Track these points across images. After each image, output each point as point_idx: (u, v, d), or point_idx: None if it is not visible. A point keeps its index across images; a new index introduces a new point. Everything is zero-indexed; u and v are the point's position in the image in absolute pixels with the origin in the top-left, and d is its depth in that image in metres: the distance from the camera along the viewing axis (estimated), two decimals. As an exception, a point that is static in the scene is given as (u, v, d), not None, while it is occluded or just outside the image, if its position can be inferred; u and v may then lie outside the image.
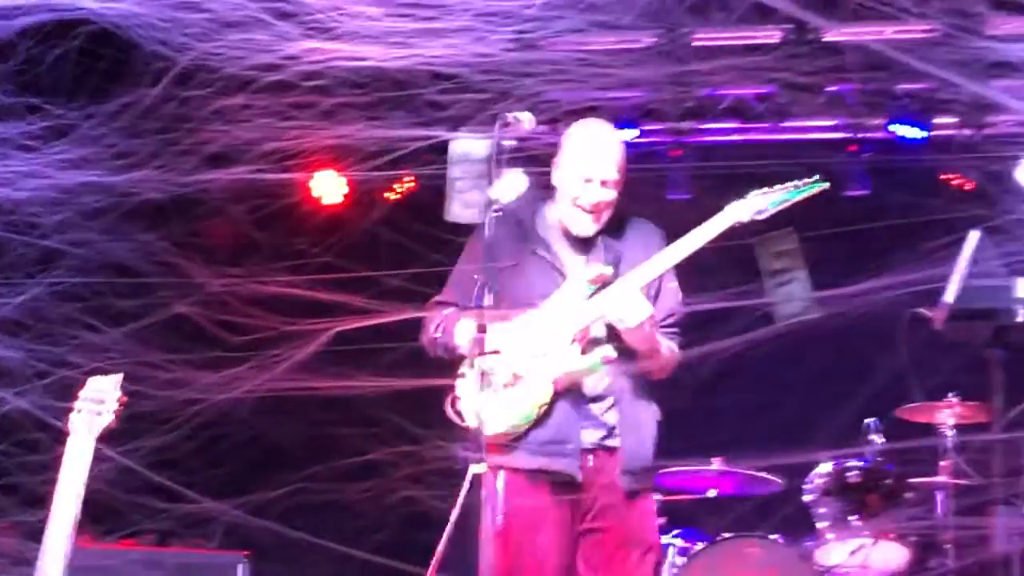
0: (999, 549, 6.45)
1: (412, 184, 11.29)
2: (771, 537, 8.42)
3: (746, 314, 6.28)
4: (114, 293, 7.89)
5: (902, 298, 6.18)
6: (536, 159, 9.95)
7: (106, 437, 5.13)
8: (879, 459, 8.66)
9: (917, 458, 8.68)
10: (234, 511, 8.41)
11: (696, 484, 9.07)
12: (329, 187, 11.15)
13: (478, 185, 6.77)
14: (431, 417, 6.40)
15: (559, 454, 5.95)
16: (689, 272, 6.16)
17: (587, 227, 6.09)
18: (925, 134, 10.56)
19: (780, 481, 8.91)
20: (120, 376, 5.21)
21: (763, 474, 8.88)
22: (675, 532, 8.69)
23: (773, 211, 5.87)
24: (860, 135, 11.05)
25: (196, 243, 8.80)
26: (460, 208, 6.79)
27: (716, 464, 8.89)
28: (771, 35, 10.06)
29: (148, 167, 7.41)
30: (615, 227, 6.15)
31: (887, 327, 6.55)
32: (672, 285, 6.16)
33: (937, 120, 10.71)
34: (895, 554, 8.49)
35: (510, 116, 6.01)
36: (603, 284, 5.93)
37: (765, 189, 5.88)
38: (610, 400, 6.03)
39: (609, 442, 6.03)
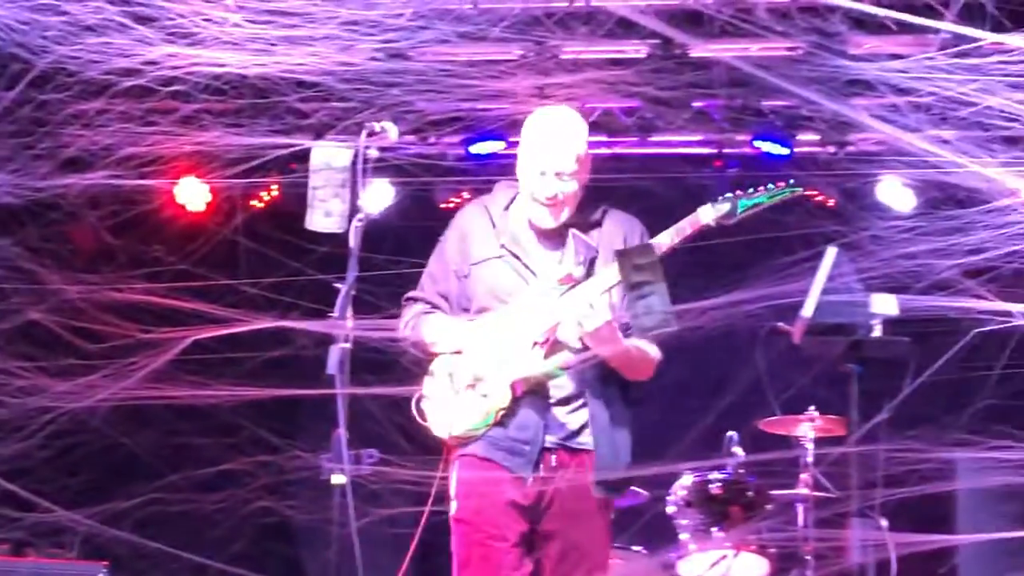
0: (855, 560, 6.50)
1: (276, 193, 11.22)
2: (634, 548, 8.46)
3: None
4: (-34, 299, 7.76)
5: (761, 312, 6.21)
6: (400, 169, 9.96)
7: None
8: (740, 471, 8.72)
9: (777, 470, 8.75)
10: (89, 520, 8.28)
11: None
12: (193, 194, 11.01)
13: (340, 194, 6.72)
14: (288, 427, 6.36)
15: (515, 453, 5.77)
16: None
17: (547, 220, 5.85)
18: (788, 151, 10.67)
19: (643, 493, 8.94)
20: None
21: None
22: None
23: (742, 215, 5.71)
24: (725, 151, 11.15)
25: (51, 249, 8.66)
26: (321, 217, 6.74)
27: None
28: (638, 50, 10.11)
29: (3, 171, 7.28)
30: (589, 220, 5.90)
31: (746, 341, 6.59)
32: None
33: (801, 137, 10.83)
34: (756, 565, 8.55)
35: (375, 125, 5.95)
36: (573, 284, 5.73)
37: (737, 192, 5.74)
38: (578, 402, 5.82)
39: (574, 443, 5.81)
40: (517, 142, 10.64)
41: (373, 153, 5.92)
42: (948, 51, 6.73)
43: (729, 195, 5.74)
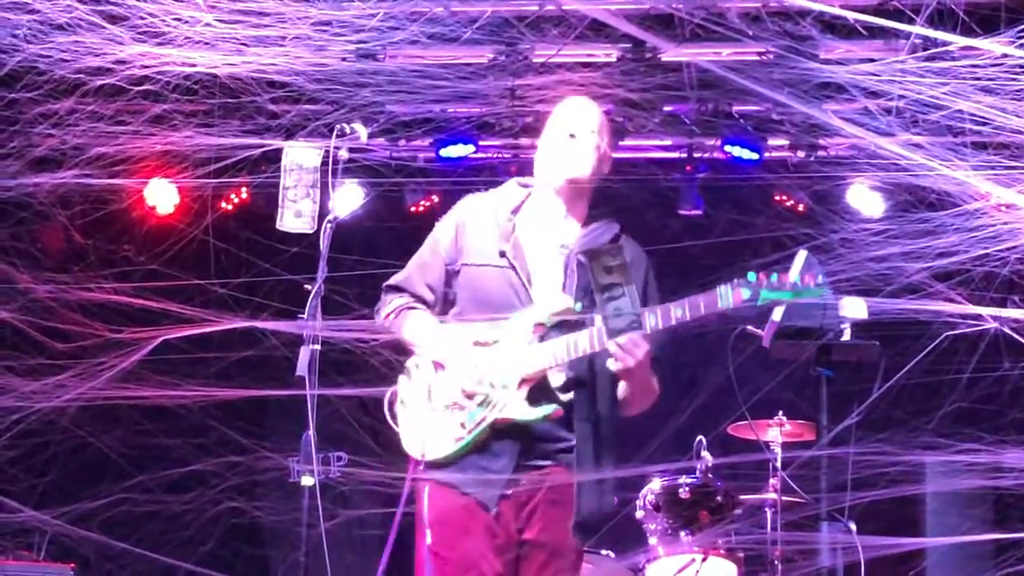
0: (824, 563, 6.51)
1: (246, 194, 11.22)
2: (602, 552, 8.45)
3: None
4: (-67, 298, 7.72)
5: (730, 315, 6.21)
6: (371, 170, 9.95)
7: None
8: (709, 475, 8.74)
9: (746, 474, 8.77)
10: (56, 521, 8.24)
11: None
12: (162, 194, 10.99)
13: (310, 195, 6.71)
14: (257, 428, 6.35)
15: (484, 484, 5.51)
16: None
17: (564, 169, 5.65)
18: (758, 155, 10.70)
19: (612, 496, 8.93)
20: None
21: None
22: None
23: (763, 306, 5.29)
24: (695, 154, 11.19)
25: (20, 248, 8.64)
26: (292, 218, 6.73)
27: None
28: (608, 53, 10.12)
29: (-29, 169, 7.27)
30: (594, 246, 5.56)
31: (715, 344, 6.60)
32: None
33: (771, 141, 10.86)
34: (724, 569, 8.57)
35: (345, 127, 5.93)
36: (568, 323, 5.48)
37: (759, 279, 5.25)
38: (562, 437, 5.53)
39: (559, 457, 5.52)
40: (488, 146, 10.77)
41: (343, 154, 5.91)
42: (918, 55, 6.76)
43: (752, 277, 5.27)
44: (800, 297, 5.30)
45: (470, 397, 5.55)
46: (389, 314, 5.87)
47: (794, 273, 5.47)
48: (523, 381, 5.50)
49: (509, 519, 5.51)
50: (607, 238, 5.71)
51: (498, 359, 5.54)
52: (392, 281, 5.94)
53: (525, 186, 5.87)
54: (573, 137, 5.70)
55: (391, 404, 5.77)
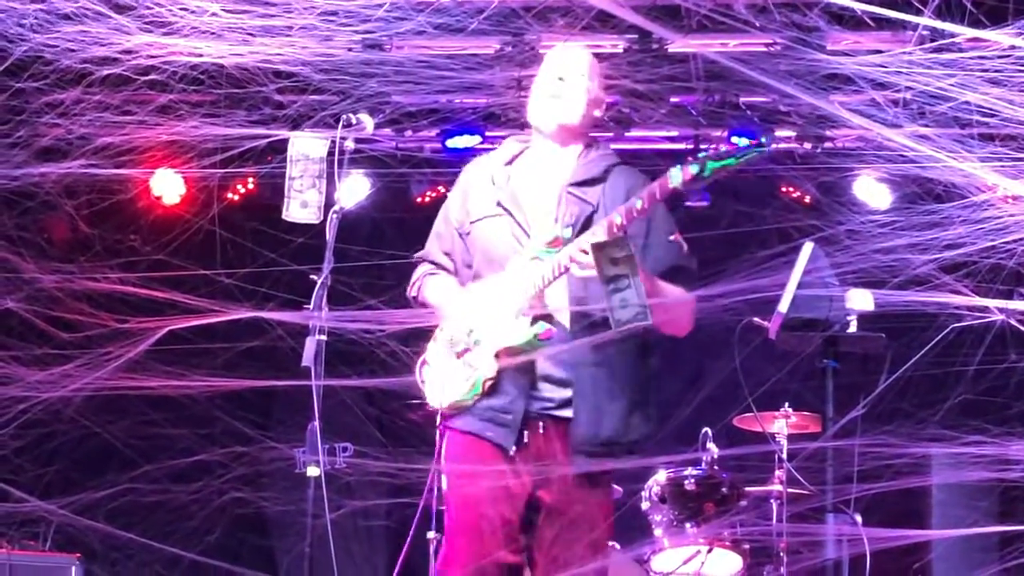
0: (830, 555, 6.50)
1: (252, 184, 11.22)
2: (608, 543, 8.45)
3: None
4: (-61, 287, 7.72)
5: (737, 307, 6.21)
6: (377, 161, 9.94)
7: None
8: (714, 467, 8.73)
9: (751, 466, 8.77)
10: (62, 511, 8.26)
11: (533, 490, 9.06)
12: (168, 184, 11.00)
13: (316, 185, 6.72)
14: (263, 418, 6.35)
15: (497, 423, 5.67)
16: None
17: (550, 114, 5.81)
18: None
19: (618, 488, 8.93)
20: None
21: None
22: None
23: (711, 177, 5.41)
24: (702, 146, 11.16)
25: (27, 238, 8.64)
26: (298, 208, 6.74)
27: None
28: (615, 44, 10.11)
29: (-23, 159, 7.27)
30: (591, 177, 5.83)
31: (721, 336, 6.59)
32: (659, 239, 5.84)
33: (778, 132, 10.85)
34: (730, 561, 8.57)
35: (352, 117, 5.95)
36: (560, 247, 5.61)
37: (707, 153, 5.46)
38: (563, 376, 5.69)
39: (560, 412, 5.69)
40: (494, 137, 10.77)
41: (350, 144, 5.92)
42: (926, 46, 6.74)
43: (700, 154, 5.48)
44: (744, 157, 5.44)
45: (472, 335, 5.73)
46: (415, 284, 6.04)
47: (799, 267, 5.49)
48: (521, 310, 5.63)
49: (524, 471, 5.63)
50: (603, 166, 5.86)
51: (493, 291, 5.71)
52: (416, 254, 6.11)
53: (524, 141, 6.01)
54: (562, 80, 5.82)
55: (420, 368, 5.90)
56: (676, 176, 5.45)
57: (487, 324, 5.70)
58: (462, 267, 5.93)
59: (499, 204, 5.83)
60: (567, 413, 5.67)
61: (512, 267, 5.71)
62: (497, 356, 5.68)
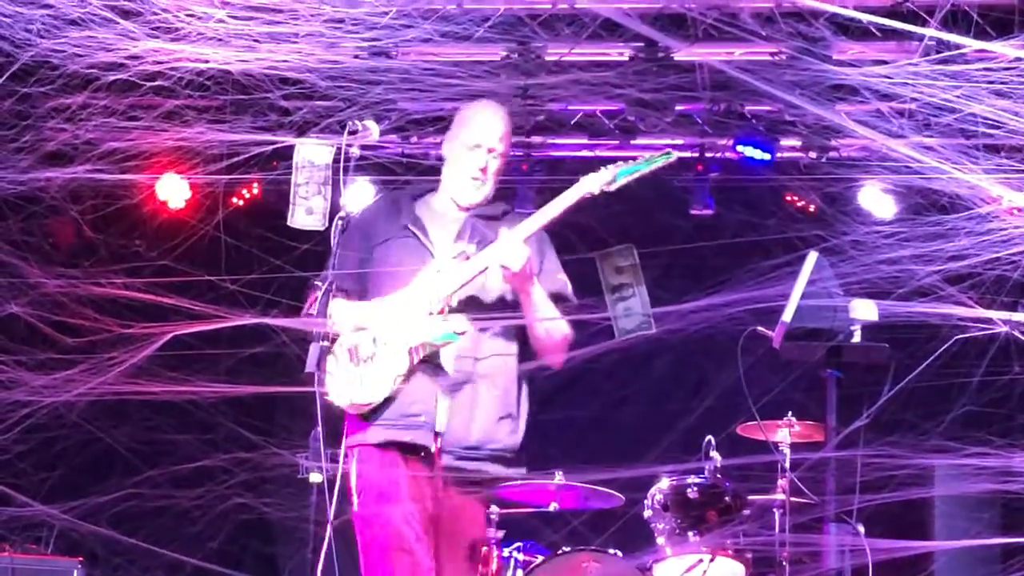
0: (832, 565, 6.50)
1: (257, 190, 11.23)
2: (610, 551, 8.44)
3: (584, 328, 6.28)
4: (-57, 292, 7.72)
5: (741, 316, 6.21)
6: (382, 168, 9.95)
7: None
8: (717, 476, 8.71)
9: (754, 475, 8.75)
10: (65, 516, 8.26)
11: (537, 498, 9.06)
12: (173, 190, 11.01)
13: (322, 192, 6.72)
14: (266, 424, 6.36)
15: (411, 426, 5.99)
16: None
17: (473, 195, 6.25)
18: (770, 156, 10.68)
19: (620, 496, 8.93)
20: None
21: (603, 488, 8.89)
22: (515, 545, 8.67)
23: (622, 183, 5.95)
24: (707, 155, 11.16)
25: (32, 242, 8.65)
26: (303, 215, 6.73)
27: (557, 478, 8.89)
28: (621, 52, 10.11)
29: (-16, 163, 7.28)
30: (490, 214, 6.28)
31: (725, 345, 6.59)
32: (553, 267, 6.28)
33: (783, 142, 10.84)
34: (732, 569, 8.54)
35: (357, 123, 5.98)
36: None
37: (618, 163, 6.00)
38: (464, 387, 6.08)
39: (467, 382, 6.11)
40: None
41: (355, 151, 5.94)
42: (932, 57, 6.74)
43: (611, 165, 5.99)
44: (652, 166, 6.05)
45: (379, 341, 5.98)
46: (311, 303, 6.17)
47: (804, 276, 5.50)
48: (431, 312, 5.97)
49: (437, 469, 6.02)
50: (501, 208, 6.35)
51: (408, 300, 6.01)
52: (312, 283, 6.26)
53: (430, 183, 6.45)
54: (489, 152, 6.24)
55: (320, 381, 6.02)
56: (586, 184, 5.97)
57: (400, 325, 5.97)
58: (360, 296, 6.16)
59: (405, 227, 6.19)
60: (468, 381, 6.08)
61: (418, 281, 6.03)
62: (409, 354, 5.96)
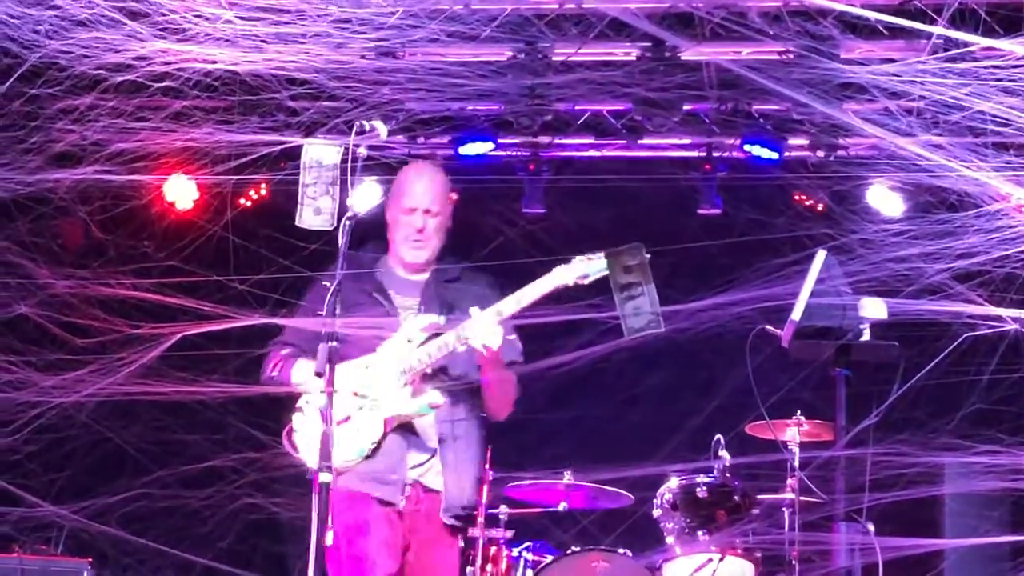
0: (842, 564, 6.49)
1: (265, 190, 11.25)
2: (620, 551, 8.45)
3: (593, 327, 6.28)
4: (-46, 293, 7.72)
5: (749, 315, 6.21)
6: (390, 168, 9.93)
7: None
8: (726, 475, 8.71)
9: (763, 474, 8.75)
10: (75, 516, 8.28)
11: (546, 497, 9.07)
12: (181, 190, 11.03)
13: (330, 192, 6.73)
14: (275, 424, 6.37)
15: (384, 483, 6.31)
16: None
17: (417, 255, 6.54)
18: (778, 155, 10.68)
19: (629, 495, 8.94)
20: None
21: (613, 488, 8.90)
22: (525, 545, 8.69)
23: (595, 278, 6.01)
24: (715, 154, 11.16)
25: (40, 243, 8.66)
26: (311, 215, 6.73)
27: (567, 477, 8.90)
28: (628, 52, 10.11)
29: (-7, 164, 7.28)
30: (447, 274, 6.59)
31: (734, 344, 6.59)
32: (512, 336, 6.51)
33: (791, 141, 10.84)
34: (742, 568, 8.55)
35: (365, 124, 5.98)
36: (435, 334, 6.27)
37: (589, 256, 6.05)
38: (433, 448, 6.43)
39: (427, 480, 6.44)
40: (506, 144, 10.78)
41: (363, 152, 5.95)
42: (940, 55, 6.73)
43: (582, 258, 6.08)
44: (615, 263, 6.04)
45: (355, 403, 6.28)
46: (276, 365, 6.58)
47: (812, 275, 5.49)
48: (405, 383, 6.29)
49: (403, 526, 6.38)
50: (458, 269, 6.68)
51: (380, 368, 6.32)
52: (274, 341, 6.67)
53: (380, 248, 6.71)
54: (427, 213, 6.55)
55: (288, 436, 6.44)
56: (562, 274, 6.10)
57: (373, 394, 6.27)
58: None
59: (370, 294, 6.48)
60: (432, 479, 6.44)
61: (386, 348, 6.36)
62: (384, 423, 6.28)
